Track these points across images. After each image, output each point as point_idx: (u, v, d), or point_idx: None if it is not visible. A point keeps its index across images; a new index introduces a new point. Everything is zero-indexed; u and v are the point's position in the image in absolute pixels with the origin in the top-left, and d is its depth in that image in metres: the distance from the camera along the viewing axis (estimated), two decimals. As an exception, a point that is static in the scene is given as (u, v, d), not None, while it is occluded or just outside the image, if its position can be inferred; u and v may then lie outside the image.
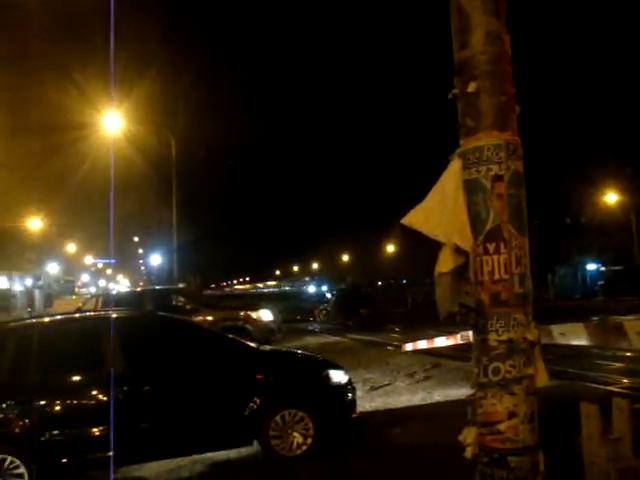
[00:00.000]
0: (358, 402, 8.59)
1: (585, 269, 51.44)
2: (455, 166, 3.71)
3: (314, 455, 7.33)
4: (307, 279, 78.88)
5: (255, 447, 7.50)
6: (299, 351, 10.03)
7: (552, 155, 47.42)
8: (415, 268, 61.61)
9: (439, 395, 10.91)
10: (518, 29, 4.06)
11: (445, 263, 3.65)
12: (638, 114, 45.15)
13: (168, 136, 28.68)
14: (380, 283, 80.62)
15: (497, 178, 3.59)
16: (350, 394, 8.12)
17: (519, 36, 4.00)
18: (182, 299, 19.26)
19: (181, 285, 27.05)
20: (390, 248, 79.91)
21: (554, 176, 47.75)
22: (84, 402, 7.02)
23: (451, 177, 3.69)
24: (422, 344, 17.50)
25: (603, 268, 50.88)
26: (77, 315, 9.74)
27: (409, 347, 18.04)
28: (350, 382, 8.30)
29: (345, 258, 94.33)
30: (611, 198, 49.57)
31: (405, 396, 11.19)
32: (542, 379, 3.68)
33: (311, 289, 69.62)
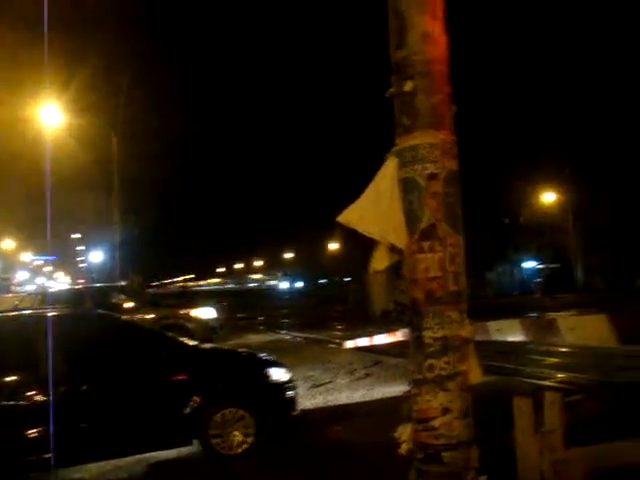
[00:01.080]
0: (299, 400, 8.60)
1: (523, 267, 52.62)
2: (391, 164, 3.73)
3: (255, 453, 7.30)
4: (279, 274, 77.73)
5: (196, 446, 7.43)
6: (240, 349, 9.98)
7: (493, 155, 48.28)
8: (357, 265, 62.15)
9: (379, 392, 11.00)
10: (455, 30, 4.09)
11: (380, 261, 3.66)
12: (577, 116, 46.23)
13: (109, 130, 28.13)
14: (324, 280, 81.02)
15: (432, 177, 3.62)
16: (291, 392, 8.11)
17: (456, 37, 4.03)
18: (123, 297, 18.99)
19: (122, 283, 26.62)
20: (333, 246, 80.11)
21: (494, 176, 48.67)
22: (21, 403, 6.83)
23: (387, 175, 3.71)
24: (363, 341, 17.68)
25: (540, 266, 52.13)
26: (13, 313, 9.48)
27: (350, 344, 18.19)
28: (291, 380, 8.29)
29: (289, 255, 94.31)
30: (549, 198, 50.72)
31: (346, 393, 11.24)
32: (476, 375, 3.73)
33: (283, 285, 69.18)
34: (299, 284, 71.28)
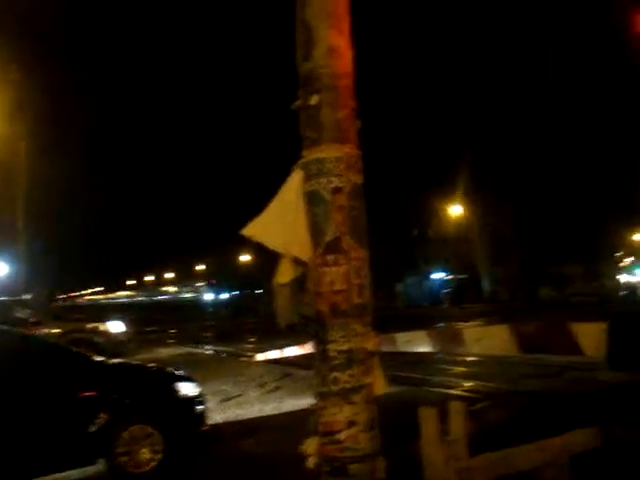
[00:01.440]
0: (210, 414, 8.48)
1: (432, 278, 53.77)
2: (296, 177, 3.72)
3: (163, 471, 7.14)
4: (200, 285, 74.78)
5: (102, 465, 7.19)
6: (150, 364, 9.76)
7: (401, 169, 49.28)
8: (268, 278, 61.96)
9: (289, 405, 10.99)
10: (362, 46, 4.14)
11: (284, 274, 3.64)
12: (484, 132, 47.70)
13: (18, 134, 26.94)
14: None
15: (337, 190, 3.63)
16: (201, 406, 7.98)
17: (363, 53, 4.09)
18: (28, 311, 18.33)
19: (27, 296, 25.63)
20: (245, 257, 79.68)
21: (403, 189, 49.68)
22: None
23: (292, 188, 3.70)
24: (273, 354, 17.66)
25: (448, 277, 53.41)
26: None
27: (261, 357, 18.14)
28: (201, 394, 8.17)
29: (201, 267, 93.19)
30: (456, 210, 52.08)
31: (256, 406, 11.18)
32: (381, 387, 3.75)
33: (208, 296, 66.85)
34: (224, 295, 69.38)
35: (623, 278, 54.27)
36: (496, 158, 47.69)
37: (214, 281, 72.91)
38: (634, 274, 50.34)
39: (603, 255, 56.09)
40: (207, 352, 23.81)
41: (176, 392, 7.81)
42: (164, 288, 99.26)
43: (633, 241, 57.94)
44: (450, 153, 50.64)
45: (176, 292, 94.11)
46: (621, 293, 43.32)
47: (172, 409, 7.68)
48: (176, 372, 8.70)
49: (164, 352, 23.44)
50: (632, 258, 55.73)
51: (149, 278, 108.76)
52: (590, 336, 8.65)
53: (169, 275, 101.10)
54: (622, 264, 58.81)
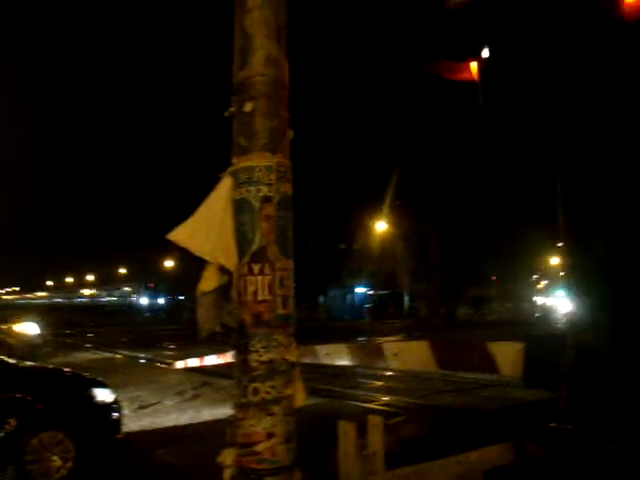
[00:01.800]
0: (125, 422, 8.30)
1: (354, 292, 54.15)
2: (225, 184, 3.68)
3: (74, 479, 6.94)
4: (128, 289, 71.08)
5: (10, 473, 6.92)
6: (64, 368, 9.50)
7: (331, 183, 49.65)
8: (192, 284, 61.07)
9: (208, 414, 10.88)
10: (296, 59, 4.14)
11: (208, 281, 3.59)
12: (411, 152, 48.49)
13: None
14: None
15: (266, 199, 3.61)
16: (115, 414, 7.81)
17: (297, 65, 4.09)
18: None
19: None
20: (169, 263, 78.46)
21: (331, 202, 50.01)
22: None
23: (221, 195, 3.65)
24: (193, 362, 17.43)
25: (371, 292, 53.90)
26: None
27: (180, 365, 17.88)
28: (116, 401, 7.99)
29: (122, 271, 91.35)
30: (382, 226, 52.68)
31: (173, 415, 11.03)
32: (301, 399, 3.73)
33: (143, 301, 63.97)
34: (161, 300, 66.42)
35: (539, 300, 55.99)
36: (421, 177, 48.69)
37: (152, 284, 69.63)
38: (549, 297, 51.99)
39: (520, 277, 57.88)
40: (125, 358, 23.31)
41: (90, 398, 7.62)
42: (84, 291, 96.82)
43: (549, 265, 59.98)
44: (379, 169, 51.41)
45: (96, 295, 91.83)
46: (536, 315, 44.65)
47: (86, 415, 7.49)
48: (91, 377, 8.49)
49: (80, 356, 22.88)
50: (547, 281, 57.58)
51: (69, 280, 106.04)
52: (506, 355, 8.87)
53: (90, 277, 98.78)
54: (538, 286, 60.75)
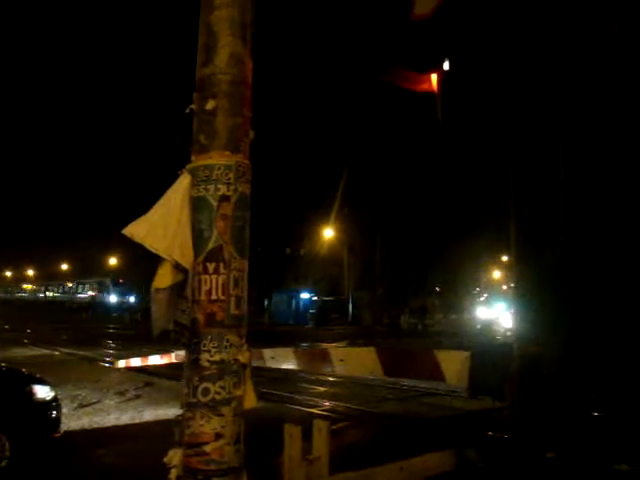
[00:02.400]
0: (64, 420, 8.13)
1: (299, 297, 54.04)
2: (184, 181, 3.64)
3: (8, 478, 6.75)
4: (106, 281, 66.14)
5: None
6: (1, 364, 9.26)
7: (278, 187, 49.56)
8: (137, 283, 60.08)
9: (149, 414, 10.75)
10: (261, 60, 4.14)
11: (163, 279, 3.54)
12: (359, 162, 48.78)
13: None
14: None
15: (224, 198, 3.58)
16: (55, 412, 7.64)
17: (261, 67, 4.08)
18: None
19: None
20: (112, 261, 77.22)
21: (278, 206, 49.91)
22: None
23: (179, 192, 3.61)
24: (136, 361, 17.20)
25: (315, 298, 53.90)
26: None
27: (122, 364, 17.62)
28: (56, 399, 7.82)
29: (64, 267, 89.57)
30: (328, 233, 52.84)
31: (114, 415, 10.86)
32: (250, 401, 3.71)
33: (112, 299, 60.24)
34: (132, 298, 62.18)
35: (480, 312, 56.94)
36: (369, 186, 49.04)
37: (121, 280, 65.13)
38: (490, 309, 52.83)
39: (463, 290, 58.86)
40: (65, 355, 22.86)
41: (28, 395, 7.44)
42: (26, 285, 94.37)
43: (491, 278, 61.16)
44: (329, 174, 51.57)
45: (33, 290, 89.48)
46: (478, 326, 45.36)
47: (22, 413, 7.30)
48: (29, 374, 8.29)
49: (19, 352, 22.37)
50: (487, 294, 58.62)
51: (7, 274, 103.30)
52: (452, 364, 8.98)
53: (30, 272, 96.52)
54: (480, 299, 61.82)
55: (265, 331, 34.18)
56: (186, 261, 3.51)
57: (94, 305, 63.36)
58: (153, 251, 3.49)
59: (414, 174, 46.49)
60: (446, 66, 7.00)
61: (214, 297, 3.54)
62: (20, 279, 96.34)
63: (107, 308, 59.76)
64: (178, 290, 3.58)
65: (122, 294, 62.83)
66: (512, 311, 8.19)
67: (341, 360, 12.26)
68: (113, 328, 40.39)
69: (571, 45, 6.79)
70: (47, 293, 79.15)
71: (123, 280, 63.56)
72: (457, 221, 47.75)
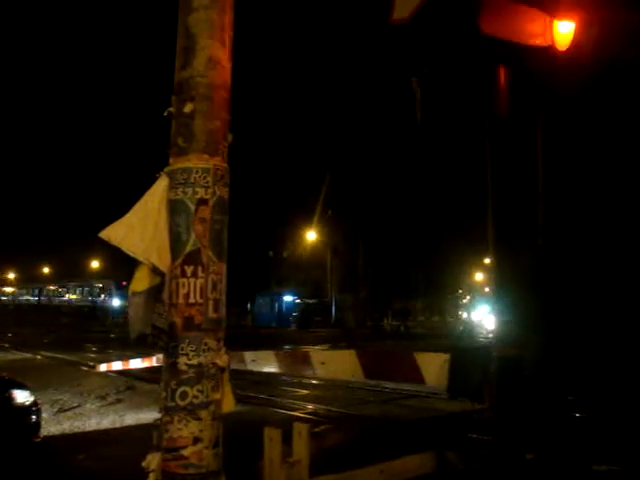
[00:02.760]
0: (44, 425, 8.08)
1: (282, 300, 53.96)
2: (162, 184, 3.63)
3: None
4: (109, 285, 64.32)
5: None
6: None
7: (262, 189, 49.58)
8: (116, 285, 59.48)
9: (131, 418, 10.71)
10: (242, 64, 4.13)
11: (140, 282, 3.53)
12: (343, 164, 48.90)
13: None
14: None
15: (202, 202, 3.57)
16: (34, 416, 7.59)
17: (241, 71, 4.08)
18: None
19: None
20: (95, 264, 76.77)
21: (262, 209, 49.93)
22: None
23: (156, 195, 3.60)
24: (117, 365, 17.14)
25: (298, 300, 53.86)
26: None
27: (103, 367, 17.55)
28: (36, 403, 7.77)
29: (45, 270, 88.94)
30: (312, 236, 52.85)
31: (95, 419, 10.80)
32: (229, 405, 3.71)
33: (116, 302, 58.78)
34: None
35: (463, 314, 57.19)
36: (352, 189, 49.16)
37: (125, 282, 63.54)
38: (473, 311, 53.10)
39: (446, 292, 59.12)
40: (48, 359, 22.68)
41: (8, 399, 7.38)
42: (6, 288, 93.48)
43: (474, 281, 61.42)
44: (312, 177, 51.64)
45: (13, 294, 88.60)
46: (460, 328, 45.57)
47: (2, 417, 7.24)
48: (9, 378, 8.23)
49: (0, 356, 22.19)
50: (470, 296, 58.93)
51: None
52: (432, 366, 9.04)
53: (10, 275, 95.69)
54: (463, 301, 62.11)
55: (248, 334, 34.13)
56: (163, 264, 3.50)
57: (96, 309, 62.49)
58: (130, 254, 3.48)
59: (396, 177, 46.63)
60: (426, 70, 7.04)
61: (192, 300, 3.53)
62: (2, 282, 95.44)
63: (111, 312, 58.50)
64: (155, 293, 3.56)
65: (125, 297, 61.39)
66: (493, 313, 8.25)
67: (322, 363, 12.29)
68: (94, 331, 40.15)
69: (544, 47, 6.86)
70: (40, 297, 77.61)
71: (126, 283, 62.19)
72: (439, 224, 47.93)
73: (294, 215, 52.08)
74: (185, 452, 3.50)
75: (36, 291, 79.06)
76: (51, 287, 76.09)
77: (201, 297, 3.53)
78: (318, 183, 49.19)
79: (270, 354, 14.03)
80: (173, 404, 3.53)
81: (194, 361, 3.52)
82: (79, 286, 69.30)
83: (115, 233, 3.52)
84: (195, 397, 3.51)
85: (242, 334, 31.41)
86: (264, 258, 59.52)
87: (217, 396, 3.60)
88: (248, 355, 13.59)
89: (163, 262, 3.50)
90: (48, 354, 24.39)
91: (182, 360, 3.51)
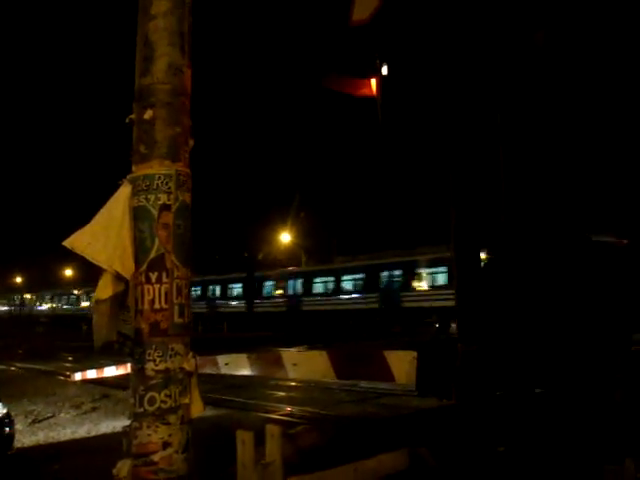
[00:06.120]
0: (18, 437, 8.00)
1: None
2: (124, 191, 3.64)
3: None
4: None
5: None
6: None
7: (237, 192, 49.56)
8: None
9: (106, 427, 10.64)
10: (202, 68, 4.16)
11: (104, 290, 3.53)
12: (315, 169, 49.06)
13: None
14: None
15: (165, 207, 3.59)
16: (7, 428, 7.52)
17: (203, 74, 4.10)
18: None
19: None
20: (68, 272, 76.10)
21: (236, 212, 49.88)
22: None
23: (119, 202, 3.61)
24: (92, 373, 17.02)
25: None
26: None
27: (78, 376, 17.41)
28: (8, 415, 7.70)
29: (18, 280, 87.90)
30: (285, 238, 52.86)
31: (70, 429, 10.72)
32: (197, 408, 3.72)
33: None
34: None
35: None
36: (324, 192, 49.38)
37: None
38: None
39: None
40: (22, 369, 22.42)
41: (-21, 411, 7.30)
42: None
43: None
44: (285, 179, 51.78)
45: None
46: (436, 325, 45.83)
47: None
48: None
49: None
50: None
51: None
52: (401, 364, 9.09)
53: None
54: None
55: (225, 338, 33.99)
56: (126, 271, 3.51)
57: (72, 318, 61.90)
58: (94, 262, 3.48)
59: (368, 177, 46.87)
60: (385, 71, 7.10)
61: (157, 306, 3.54)
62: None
63: (87, 320, 57.91)
64: (120, 300, 3.58)
65: None
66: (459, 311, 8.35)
67: (294, 364, 12.30)
68: (67, 340, 39.75)
69: (508, 50, 6.96)
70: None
71: None
72: (411, 223, 48.21)
73: (268, 217, 52.12)
74: (155, 457, 3.52)
75: (12, 301, 78.20)
76: (27, 296, 75.26)
77: (166, 302, 3.55)
78: (293, 184, 49.28)
79: (243, 357, 13.99)
80: (142, 410, 3.54)
81: (161, 366, 3.53)
82: (54, 295, 68.79)
83: (79, 241, 3.53)
84: (163, 402, 3.53)
85: (219, 339, 31.28)
86: (239, 260, 59.37)
87: (186, 400, 3.62)
88: (221, 359, 13.54)
89: (126, 269, 3.51)
90: (23, 365, 24.13)
91: (149, 366, 3.53)
